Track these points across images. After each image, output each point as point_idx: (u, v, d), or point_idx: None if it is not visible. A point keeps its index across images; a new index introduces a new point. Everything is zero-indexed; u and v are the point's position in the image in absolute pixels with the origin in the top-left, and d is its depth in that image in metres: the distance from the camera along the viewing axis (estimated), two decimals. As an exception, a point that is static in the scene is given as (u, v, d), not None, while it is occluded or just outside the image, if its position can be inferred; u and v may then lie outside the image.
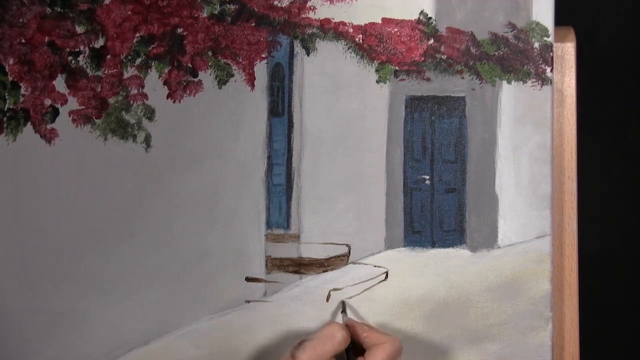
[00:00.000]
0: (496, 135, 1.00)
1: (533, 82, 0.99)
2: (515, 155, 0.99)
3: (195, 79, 0.99)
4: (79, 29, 0.99)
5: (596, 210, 1.35)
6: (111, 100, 1.00)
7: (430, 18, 0.99)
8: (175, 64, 0.99)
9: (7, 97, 0.99)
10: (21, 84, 0.99)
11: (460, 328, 0.99)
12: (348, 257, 1.00)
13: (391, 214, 1.00)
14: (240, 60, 0.99)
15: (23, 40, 0.99)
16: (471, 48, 0.99)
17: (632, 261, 1.45)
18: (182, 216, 1.00)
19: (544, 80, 0.98)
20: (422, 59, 0.99)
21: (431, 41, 0.99)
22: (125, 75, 0.99)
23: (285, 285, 1.00)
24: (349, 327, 0.92)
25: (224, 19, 0.99)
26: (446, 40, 0.99)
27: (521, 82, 0.99)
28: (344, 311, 0.98)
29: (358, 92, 1.00)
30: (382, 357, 0.89)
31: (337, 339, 0.88)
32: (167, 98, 1.00)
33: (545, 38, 0.98)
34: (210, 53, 0.99)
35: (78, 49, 0.99)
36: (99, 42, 0.99)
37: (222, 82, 0.99)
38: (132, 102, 0.99)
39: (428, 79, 1.00)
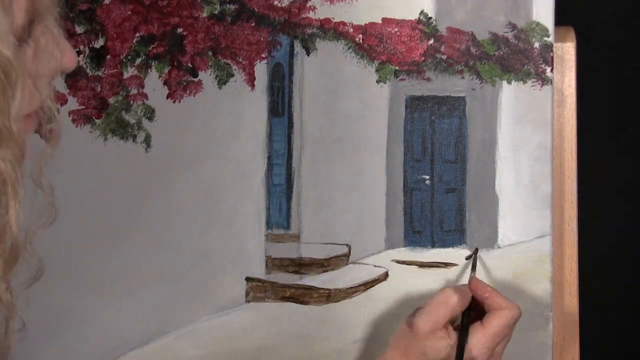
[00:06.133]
0: (496, 135, 1.00)
1: (533, 82, 0.99)
2: (515, 155, 0.99)
3: (195, 79, 0.99)
4: (79, 29, 0.99)
5: (596, 210, 1.35)
6: (111, 100, 0.99)
7: (431, 18, 0.99)
8: (175, 64, 0.99)
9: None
10: (21, 84, 0.99)
11: (461, 328, 0.99)
12: (348, 257, 1.00)
13: (391, 214, 1.00)
14: (241, 60, 0.99)
15: (23, 40, 0.99)
16: (471, 48, 0.99)
17: (632, 261, 1.45)
18: (182, 216, 1.00)
19: (544, 80, 0.98)
20: (422, 59, 0.99)
21: (431, 41, 0.99)
22: (125, 75, 0.99)
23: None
24: (472, 286, 0.91)
25: (224, 18, 0.99)
26: (446, 40, 0.99)
27: (521, 82, 0.99)
28: (473, 268, 0.97)
29: (358, 92, 1.00)
30: (498, 324, 0.88)
31: (451, 305, 0.88)
32: (167, 98, 0.99)
33: (545, 38, 0.98)
34: (210, 53, 0.99)
35: (78, 49, 0.99)
36: (99, 42, 0.99)
37: (222, 82, 0.99)
38: (132, 102, 0.99)
39: (428, 79, 1.00)
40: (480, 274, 0.99)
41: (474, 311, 0.91)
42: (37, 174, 0.73)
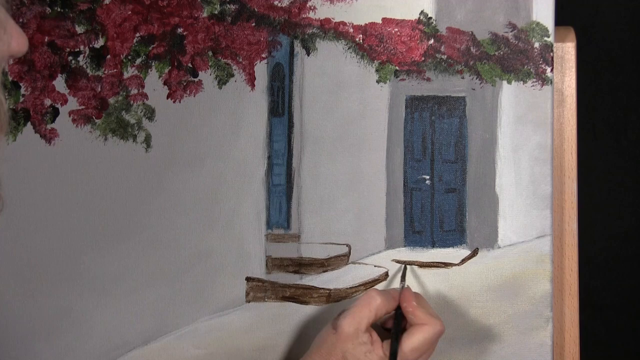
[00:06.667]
0: (496, 135, 1.00)
1: (533, 82, 0.99)
2: (515, 155, 0.99)
3: (196, 79, 0.99)
4: (79, 29, 0.99)
5: (596, 210, 1.35)
6: (111, 100, 0.99)
7: (431, 18, 0.99)
8: (176, 64, 0.99)
9: (7, 97, 0.99)
10: (21, 84, 0.99)
11: (460, 328, 0.99)
12: (348, 257, 1.00)
13: (391, 214, 1.00)
14: (241, 60, 0.99)
15: (23, 40, 0.99)
16: (471, 48, 0.99)
17: (632, 261, 1.45)
18: (182, 216, 1.00)
19: (544, 80, 0.98)
20: (423, 59, 0.99)
21: (431, 41, 0.99)
22: (126, 75, 0.99)
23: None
24: (401, 297, 0.91)
25: (224, 19, 0.99)
26: (446, 40, 0.99)
27: (521, 82, 0.99)
28: (403, 279, 0.98)
29: (358, 92, 1.00)
30: (418, 339, 0.88)
31: (374, 306, 0.88)
32: (167, 98, 0.99)
33: (546, 38, 0.98)
34: (210, 53, 0.99)
35: (78, 49, 0.99)
36: (99, 42, 0.99)
37: (222, 82, 0.99)
38: (132, 102, 0.99)
39: (428, 79, 1.00)
40: (479, 274, 0.99)
41: (405, 320, 0.91)
42: None
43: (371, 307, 0.88)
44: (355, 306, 0.89)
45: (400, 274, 0.99)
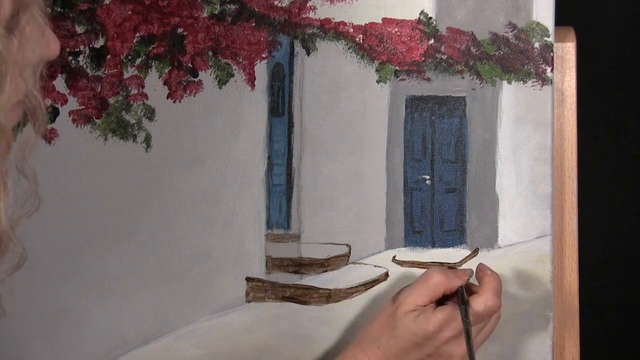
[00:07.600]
0: (496, 135, 1.00)
1: (533, 82, 0.99)
2: (515, 155, 0.99)
3: (196, 79, 0.99)
4: (79, 29, 0.99)
5: (596, 210, 1.35)
6: (111, 100, 0.99)
7: (431, 18, 0.99)
8: (176, 64, 0.99)
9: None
10: (21, 84, 0.99)
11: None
12: (348, 257, 1.00)
13: (391, 214, 1.00)
14: (241, 60, 0.99)
15: (23, 40, 0.99)
16: (471, 48, 0.99)
17: (632, 261, 1.45)
18: (182, 216, 1.00)
19: (544, 80, 0.98)
20: (423, 59, 0.99)
21: (431, 41, 0.99)
22: (126, 75, 0.99)
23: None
24: (478, 267, 0.91)
25: (224, 18, 0.99)
26: (446, 40, 0.99)
27: (521, 82, 0.99)
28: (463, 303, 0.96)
29: (358, 92, 1.00)
30: (477, 305, 0.87)
31: (431, 283, 0.89)
32: (167, 98, 0.99)
33: (546, 38, 0.98)
34: (210, 53, 0.99)
35: (78, 49, 0.99)
36: (99, 42, 0.99)
37: (222, 82, 0.99)
38: (132, 102, 0.99)
39: (428, 79, 1.00)
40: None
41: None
42: (21, 163, 0.72)
43: (428, 284, 0.88)
44: (413, 283, 0.90)
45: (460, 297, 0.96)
